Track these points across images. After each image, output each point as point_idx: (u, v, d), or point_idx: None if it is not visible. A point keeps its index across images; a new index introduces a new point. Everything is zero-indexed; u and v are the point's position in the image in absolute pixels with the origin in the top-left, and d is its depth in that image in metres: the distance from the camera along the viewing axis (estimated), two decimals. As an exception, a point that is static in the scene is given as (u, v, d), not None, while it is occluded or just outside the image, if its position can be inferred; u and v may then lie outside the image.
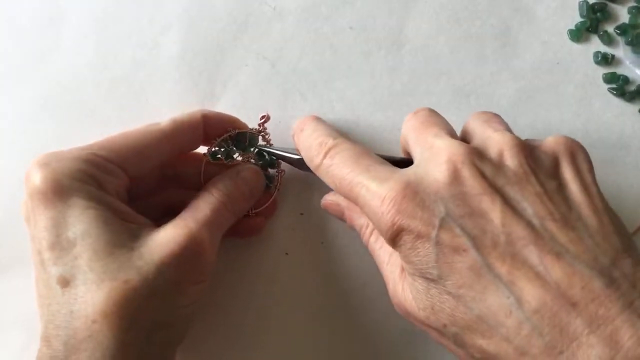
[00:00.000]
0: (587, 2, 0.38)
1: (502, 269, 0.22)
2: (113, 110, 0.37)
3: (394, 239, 0.24)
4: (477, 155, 0.25)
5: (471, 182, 0.24)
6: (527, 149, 0.25)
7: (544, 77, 0.37)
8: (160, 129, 0.30)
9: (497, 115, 0.28)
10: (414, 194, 0.24)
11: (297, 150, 0.31)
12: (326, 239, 0.35)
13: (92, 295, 0.25)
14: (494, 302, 0.22)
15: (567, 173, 0.25)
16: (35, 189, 0.26)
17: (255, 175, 0.33)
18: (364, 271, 0.34)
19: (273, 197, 0.34)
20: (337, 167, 0.27)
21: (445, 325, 0.24)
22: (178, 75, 0.37)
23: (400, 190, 0.24)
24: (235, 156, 0.34)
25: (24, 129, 0.37)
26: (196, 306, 0.29)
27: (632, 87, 0.37)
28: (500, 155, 0.25)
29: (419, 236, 0.24)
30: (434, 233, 0.23)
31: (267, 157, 0.34)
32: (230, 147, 0.34)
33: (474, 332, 0.23)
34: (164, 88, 0.37)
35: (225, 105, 0.37)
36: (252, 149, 0.34)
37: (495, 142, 0.25)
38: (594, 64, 0.37)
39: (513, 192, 0.24)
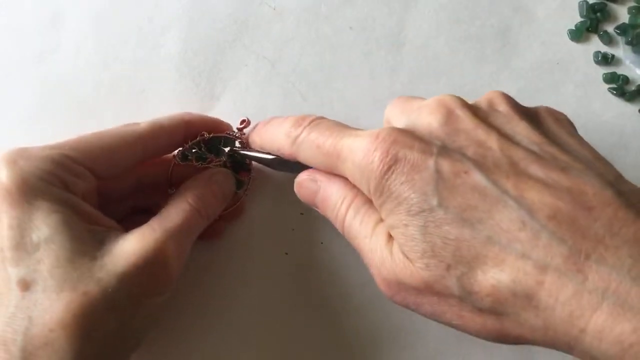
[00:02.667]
0: (587, 2, 0.38)
1: (508, 184, 0.21)
2: (113, 110, 0.37)
3: (386, 175, 0.23)
4: (469, 103, 0.25)
5: (465, 120, 0.24)
6: (515, 101, 0.26)
7: (544, 77, 0.37)
8: (136, 132, 0.30)
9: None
10: (409, 132, 0.24)
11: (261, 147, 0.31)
12: (326, 239, 0.35)
13: (51, 303, 0.24)
14: (503, 217, 0.21)
15: (551, 124, 0.25)
16: (1, 186, 0.26)
17: (227, 178, 0.33)
18: (364, 271, 0.34)
19: (240, 202, 0.34)
20: (319, 132, 0.27)
21: (449, 267, 0.22)
22: (178, 75, 0.37)
23: (393, 128, 0.24)
24: (206, 159, 0.33)
25: (24, 129, 0.37)
26: (156, 316, 0.29)
27: (632, 87, 0.37)
28: (490, 103, 0.25)
29: (416, 165, 0.23)
30: (432, 160, 0.22)
31: (239, 160, 0.34)
32: (203, 150, 0.33)
33: (484, 261, 0.21)
34: (164, 88, 0.37)
35: (225, 105, 0.37)
36: (224, 153, 0.33)
37: (483, 97, 0.26)
38: (594, 63, 0.37)
39: (507, 129, 0.24)
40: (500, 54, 0.37)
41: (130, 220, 0.30)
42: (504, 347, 0.25)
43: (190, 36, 0.38)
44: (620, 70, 0.37)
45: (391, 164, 0.23)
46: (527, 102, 0.27)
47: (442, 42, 0.37)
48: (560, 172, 0.21)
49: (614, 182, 0.21)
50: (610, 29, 0.38)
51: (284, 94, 0.37)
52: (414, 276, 0.23)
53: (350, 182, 0.27)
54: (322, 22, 0.38)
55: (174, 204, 0.29)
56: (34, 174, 0.26)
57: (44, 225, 0.25)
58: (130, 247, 0.26)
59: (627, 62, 0.38)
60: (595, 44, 0.38)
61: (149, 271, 0.26)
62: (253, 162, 0.34)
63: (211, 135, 0.33)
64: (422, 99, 0.27)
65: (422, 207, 0.22)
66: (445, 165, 0.22)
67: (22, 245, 0.25)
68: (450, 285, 0.22)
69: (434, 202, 0.22)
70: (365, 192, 0.25)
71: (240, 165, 0.34)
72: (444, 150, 0.23)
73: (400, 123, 0.26)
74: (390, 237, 0.25)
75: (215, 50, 0.38)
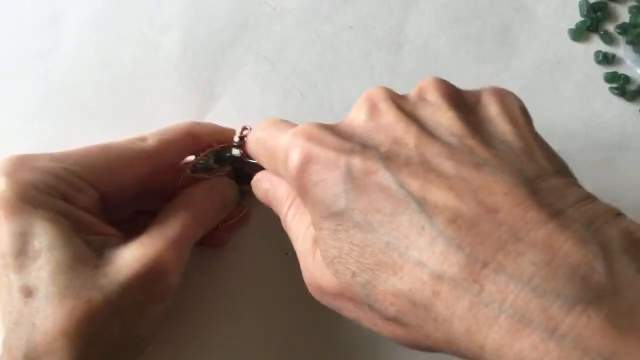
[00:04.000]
0: (588, 2, 0.38)
1: (414, 185, 0.20)
2: (113, 111, 0.37)
3: (302, 174, 0.22)
4: (396, 94, 0.24)
5: (387, 115, 0.22)
6: (450, 87, 0.24)
7: (545, 76, 0.37)
8: (144, 150, 0.29)
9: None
10: (329, 128, 0.23)
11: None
12: (326, 239, 0.35)
13: (53, 311, 0.24)
14: (404, 221, 0.19)
15: (493, 108, 0.23)
16: (2, 194, 0.26)
17: (229, 188, 0.32)
18: (364, 271, 0.34)
19: (244, 211, 0.34)
20: (265, 131, 0.27)
21: (354, 274, 0.21)
22: (178, 75, 0.37)
23: (315, 124, 0.23)
24: (213, 170, 0.33)
25: (24, 129, 0.37)
26: (158, 323, 0.29)
27: (633, 87, 0.37)
28: (420, 92, 0.24)
29: (327, 163, 0.21)
30: (343, 159, 0.21)
31: (244, 170, 0.33)
32: (210, 161, 0.33)
33: (384, 268, 0.20)
34: (164, 88, 0.37)
35: (225, 105, 0.37)
36: (227, 162, 0.33)
37: (417, 85, 0.24)
38: (594, 63, 0.37)
39: (430, 121, 0.22)
40: (500, 54, 0.37)
41: (133, 222, 0.30)
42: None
43: (190, 36, 0.38)
44: (621, 70, 0.37)
45: (305, 162, 0.22)
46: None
47: (442, 41, 0.37)
48: (473, 169, 0.19)
49: (535, 179, 0.19)
50: (610, 28, 0.38)
51: (284, 93, 0.37)
52: (329, 282, 0.23)
53: None
54: (322, 22, 0.38)
55: (173, 212, 0.29)
56: (35, 185, 0.26)
57: (44, 234, 0.25)
58: (132, 255, 0.27)
59: (628, 61, 0.37)
60: (596, 44, 0.38)
61: (150, 279, 0.26)
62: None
63: (221, 147, 0.32)
64: None
65: (331, 210, 0.21)
66: (357, 164, 0.21)
67: (24, 253, 0.25)
68: (357, 293, 0.21)
69: (342, 204, 0.21)
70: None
71: (245, 175, 0.33)
72: (359, 148, 0.21)
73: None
74: (315, 239, 0.24)
75: (215, 50, 0.38)
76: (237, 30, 0.38)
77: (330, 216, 0.21)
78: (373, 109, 0.23)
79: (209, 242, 0.33)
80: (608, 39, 0.38)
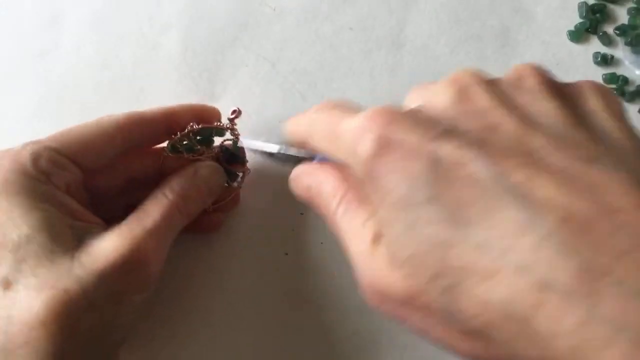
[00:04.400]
0: (587, 3, 0.38)
1: (517, 176, 0.17)
2: (113, 111, 0.36)
3: (376, 160, 0.20)
4: (489, 79, 0.21)
5: (481, 100, 0.20)
6: (548, 75, 0.21)
7: (544, 77, 0.37)
8: (113, 119, 0.30)
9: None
10: (411, 112, 0.20)
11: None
12: (326, 239, 0.35)
13: (30, 301, 0.24)
14: (502, 218, 0.17)
15: (595, 102, 0.20)
16: None
17: (215, 172, 0.31)
18: (364, 271, 0.34)
19: (234, 194, 0.33)
20: (327, 113, 0.24)
21: (432, 278, 0.18)
22: (178, 75, 0.37)
23: (389, 108, 0.21)
24: (197, 151, 0.32)
25: (24, 129, 0.37)
26: (138, 313, 0.28)
27: (632, 88, 0.37)
28: (517, 77, 0.21)
29: (409, 151, 0.19)
30: (431, 145, 0.19)
31: (233, 152, 0.33)
32: (193, 141, 0.32)
33: (473, 272, 0.17)
34: (164, 88, 0.37)
35: (225, 106, 0.37)
36: (214, 143, 0.33)
37: (511, 70, 0.22)
38: (593, 64, 0.38)
39: (531, 110, 0.20)
40: (500, 55, 0.37)
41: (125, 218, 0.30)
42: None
43: (190, 36, 0.38)
44: (619, 71, 0.37)
45: (382, 148, 0.20)
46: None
47: (442, 42, 0.37)
48: (586, 164, 0.17)
49: None
50: (609, 29, 0.38)
51: (284, 93, 0.37)
52: (396, 287, 0.20)
53: (345, 176, 0.24)
54: (322, 22, 0.38)
55: (153, 199, 0.29)
56: (15, 170, 0.26)
57: (23, 224, 0.25)
58: (109, 245, 0.26)
59: (627, 62, 0.38)
60: (595, 45, 0.38)
61: (127, 269, 0.26)
62: (248, 155, 0.33)
63: (200, 126, 0.32)
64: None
65: (410, 200, 0.19)
66: (445, 152, 0.18)
67: (3, 245, 0.25)
68: (433, 300, 0.19)
69: (425, 195, 0.18)
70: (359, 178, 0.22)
71: (234, 157, 0.33)
72: (449, 134, 0.19)
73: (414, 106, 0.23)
74: (376, 236, 0.22)
75: (215, 50, 0.38)
76: (237, 31, 0.38)
77: (408, 208, 0.19)
78: (464, 93, 0.20)
79: (199, 227, 0.32)
80: (607, 40, 0.38)
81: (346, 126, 0.22)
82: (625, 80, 0.37)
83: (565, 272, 0.15)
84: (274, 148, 0.31)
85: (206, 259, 0.34)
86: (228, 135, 0.33)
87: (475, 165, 0.18)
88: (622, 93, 0.37)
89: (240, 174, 0.34)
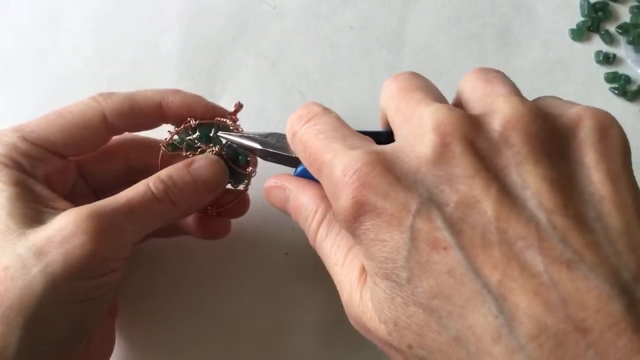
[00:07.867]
0: (589, 2, 0.38)
1: (493, 276, 0.17)
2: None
3: (354, 222, 0.20)
4: (473, 126, 0.20)
5: (462, 161, 0.19)
6: (540, 121, 0.20)
7: (545, 76, 0.37)
8: (93, 106, 0.29)
9: (500, 73, 0.23)
10: (387, 168, 0.19)
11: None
12: (326, 239, 0.35)
13: None
14: (477, 321, 0.17)
15: (590, 155, 0.19)
16: None
17: (213, 165, 0.29)
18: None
19: (239, 197, 0.31)
20: (311, 133, 0.23)
21: (410, 347, 0.19)
22: (177, 75, 0.37)
23: (370, 160, 0.19)
24: (197, 148, 0.30)
25: (24, 129, 0.37)
26: (98, 303, 0.27)
27: (634, 87, 0.37)
28: (504, 127, 0.20)
29: (388, 223, 0.19)
30: (408, 221, 0.18)
31: (238, 151, 0.30)
32: (192, 138, 0.30)
33: (448, 358, 0.18)
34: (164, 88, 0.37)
35: (225, 105, 0.37)
36: (216, 141, 0.31)
37: (498, 110, 0.20)
38: (595, 63, 0.37)
39: (515, 176, 0.19)
40: (501, 54, 0.37)
41: None
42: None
43: (190, 36, 0.38)
44: (621, 70, 0.37)
45: (359, 213, 0.19)
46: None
47: (443, 41, 0.37)
48: (565, 269, 0.17)
49: (632, 281, 0.17)
50: (611, 28, 0.38)
51: (283, 93, 0.37)
52: (378, 332, 0.21)
53: (324, 192, 0.23)
54: (322, 22, 0.38)
55: (134, 186, 0.27)
56: None
57: None
58: (53, 223, 0.25)
59: (629, 61, 0.37)
60: (597, 44, 0.38)
61: (66, 248, 0.24)
62: (255, 155, 0.31)
63: (197, 122, 0.30)
64: (421, 86, 0.23)
65: (390, 276, 0.19)
66: (423, 231, 0.18)
67: None
68: (410, 357, 0.20)
69: (404, 276, 0.19)
70: None
71: (238, 155, 0.31)
72: (425, 209, 0.18)
73: (393, 123, 0.23)
74: (363, 271, 0.22)
75: (215, 50, 0.37)
76: (237, 30, 0.38)
77: (388, 280, 0.19)
78: (443, 149, 0.19)
79: (205, 232, 0.31)
80: (609, 39, 0.38)
81: (329, 163, 0.21)
82: (627, 79, 0.37)
83: None
84: (255, 145, 0.29)
85: (206, 259, 0.34)
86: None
87: (451, 257, 0.18)
88: (624, 92, 0.37)
89: (247, 172, 0.31)
